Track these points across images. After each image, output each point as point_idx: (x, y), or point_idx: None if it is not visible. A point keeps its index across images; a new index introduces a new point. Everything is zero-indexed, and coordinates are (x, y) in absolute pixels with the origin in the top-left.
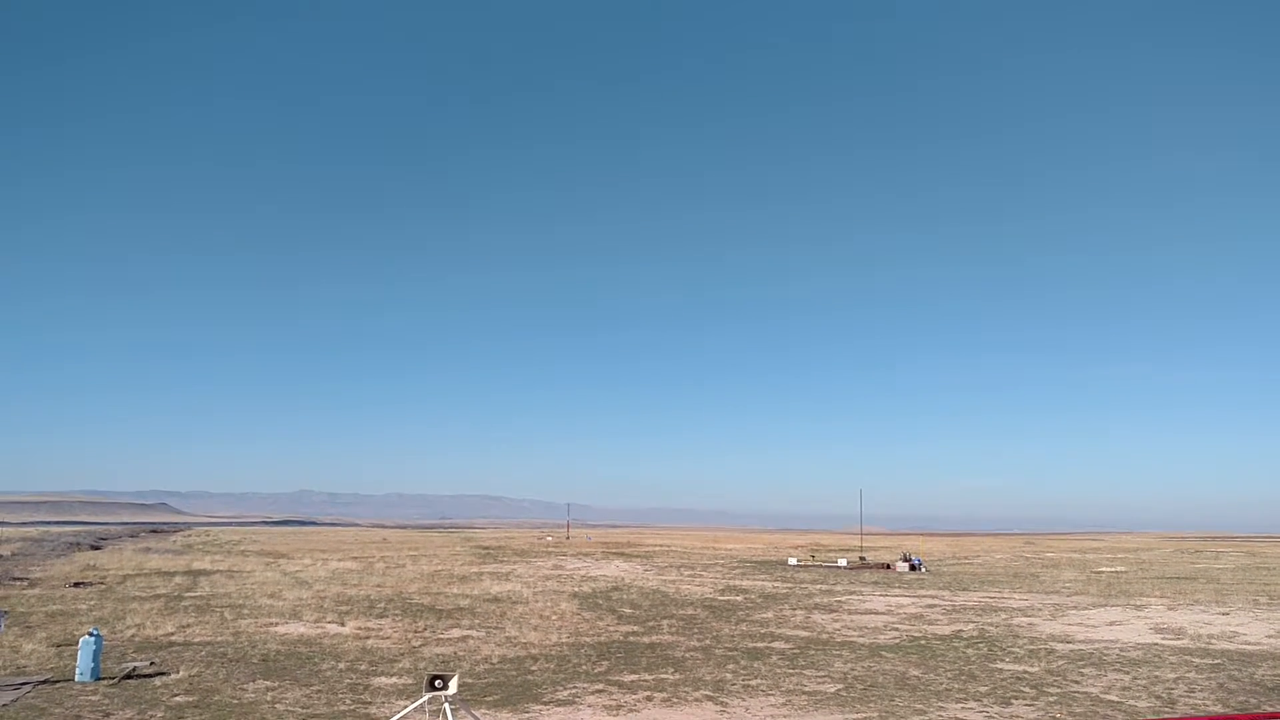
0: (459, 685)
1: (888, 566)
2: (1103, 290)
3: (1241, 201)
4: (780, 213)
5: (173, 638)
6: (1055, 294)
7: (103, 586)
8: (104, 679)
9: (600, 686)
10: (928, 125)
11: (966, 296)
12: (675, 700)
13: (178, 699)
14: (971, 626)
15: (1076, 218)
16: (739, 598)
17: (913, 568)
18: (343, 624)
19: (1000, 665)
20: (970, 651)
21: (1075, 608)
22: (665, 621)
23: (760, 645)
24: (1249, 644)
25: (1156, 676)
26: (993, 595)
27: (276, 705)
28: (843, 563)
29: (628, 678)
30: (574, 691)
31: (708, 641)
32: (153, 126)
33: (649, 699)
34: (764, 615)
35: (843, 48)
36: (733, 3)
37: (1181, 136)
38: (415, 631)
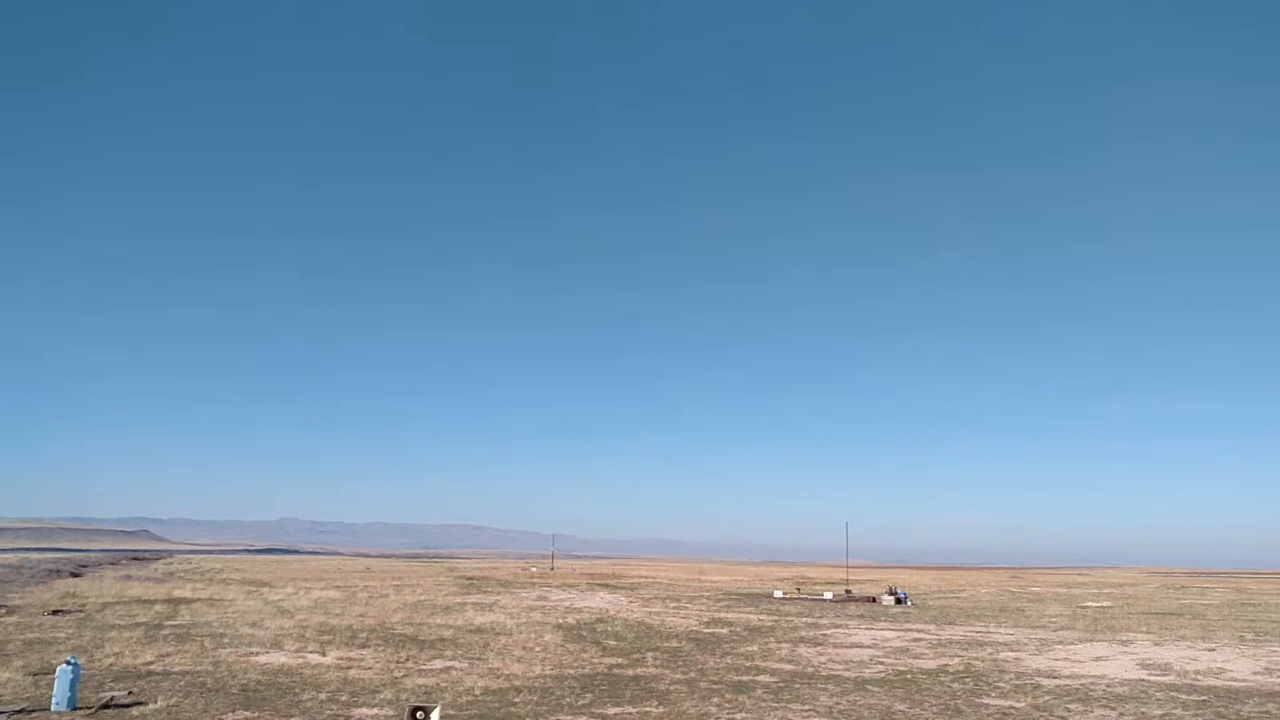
0: (441, 717)
1: (873, 600)
2: (1091, 324)
3: (1234, 238)
4: (765, 243)
5: (152, 667)
6: (1044, 328)
7: (82, 614)
8: (81, 709)
9: (584, 719)
10: (922, 151)
11: (954, 329)
12: None
13: None
14: (957, 661)
15: (1067, 251)
16: (724, 630)
17: (898, 601)
18: (324, 654)
19: (986, 700)
20: (956, 686)
21: (1061, 643)
22: (650, 654)
23: (745, 678)
24: (1236, 680)
25: (1143, 713)
26: (978, 629)
27: None
28: (828, 595)
29: (611, 710)
30: None
31: (693, 674)
32: (138, 146)
33: None
34: (749, 648)
35: (846, 65)
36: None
37: (1170, 164)
38: (398, 662)
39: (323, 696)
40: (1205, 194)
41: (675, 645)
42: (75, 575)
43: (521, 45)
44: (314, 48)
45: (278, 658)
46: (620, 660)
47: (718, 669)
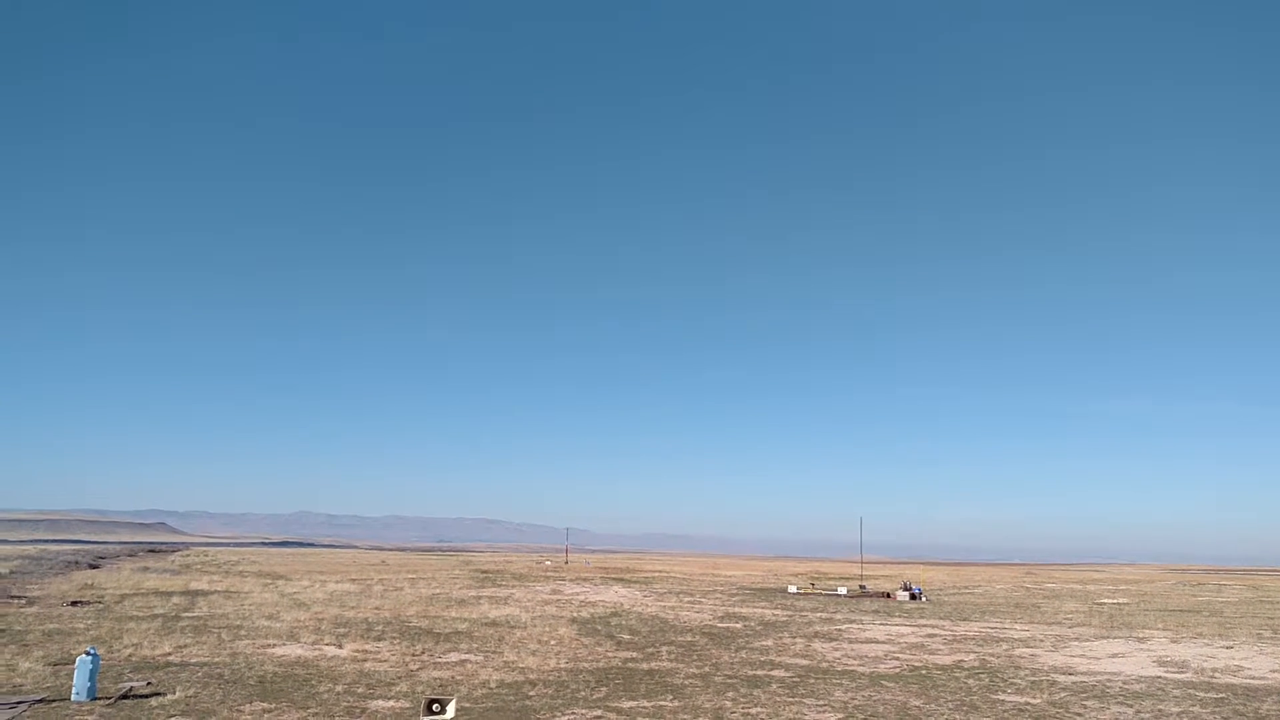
0: (457, 709)
1: (888, 595)
2: (1106, 321)
3: (1249, 236)
4: (781, 240)
5: (170, 658)
6: (1058, 325)
7: (100, 606)
8: (100, 699)
9: (599, 713)
10: (932, 150)
11: (971, 326)
12: None
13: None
14: (973, 657)
15: (1082, 247)
16: (738, 625)
17: (913, 597)
18: (340, 646)
19: (1002, 696)
20: (972, 682)
21: (1077, 639)
22: (664, 648)
23: (760, 673)
24: (1254, 678)
25: (1160, 710)
26: (994, 625)
27: None
28: (843, 591)
29: (626, 704)
30: (572, 717)
31: (707, 669)
32: (163, 138)
33: None
34: (764, 643)
35: (851, 67)
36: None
37: (1180, 163)
38: (413, 655)
39: (339, 688)
40: (1211, 195)
41: (689, 639)
42: (93, 567)
43: (522, 43)
44: (313, 46)
45: (294, 650)
46: (635, 654)
47: (732, 663)
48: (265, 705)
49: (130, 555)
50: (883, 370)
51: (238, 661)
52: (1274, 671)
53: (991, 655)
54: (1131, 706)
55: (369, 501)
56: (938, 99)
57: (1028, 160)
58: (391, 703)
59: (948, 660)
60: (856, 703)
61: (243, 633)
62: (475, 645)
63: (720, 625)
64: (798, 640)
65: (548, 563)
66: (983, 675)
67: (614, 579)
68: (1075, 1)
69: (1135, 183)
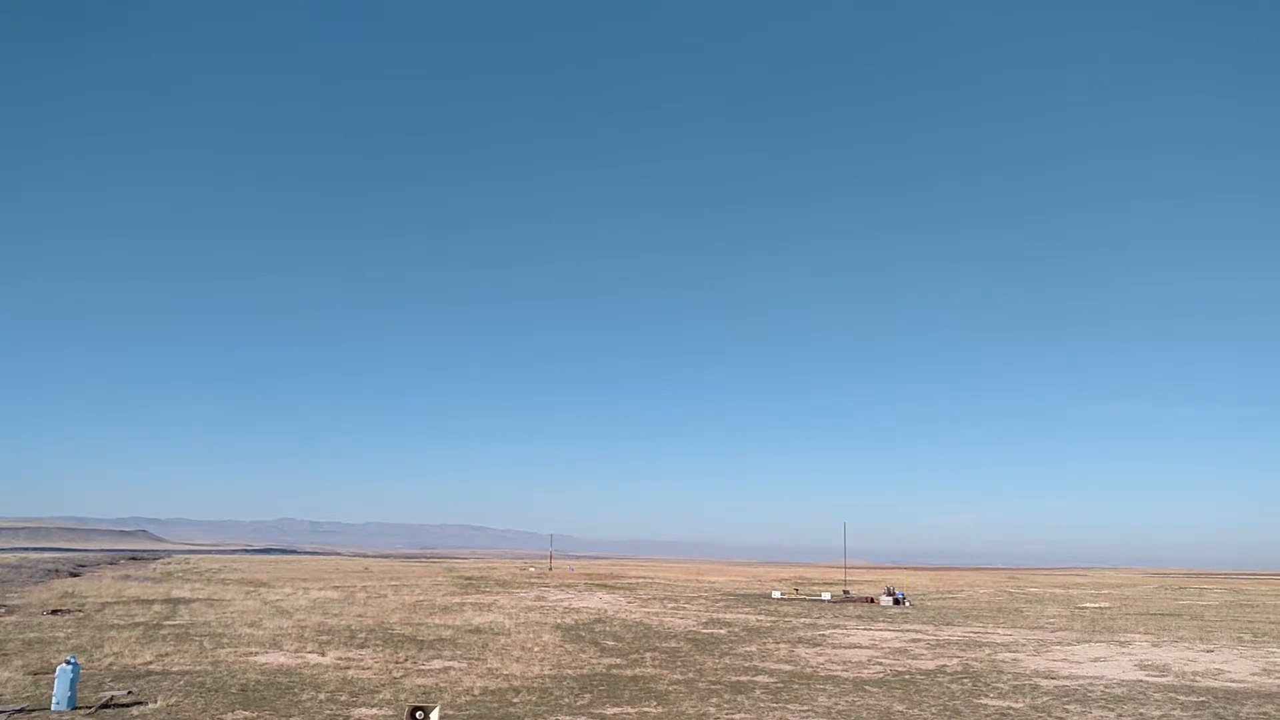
0: (440, 717)
1: (872, 600)
2: (1090, 327)
3: (1239, 241)
4: (766, 246)
5: (151, 666)
6: (1041, 330)
7: (81, 614)
8: (81, 708)
9: (583, 719)
10: (919, 157)
11: (952, 330)
12: None
13: None
14: (956, 661)
15: (1065, 254)
16: (723, 631)
17: (897, 602)
18: (323, 654)
19: (985, 701)
20: (955, 687)
21: (1059, 643)
22: (648, 654)
23: (744, 679)
24: (1234, 681)
25: (1142, 714)
26: (977, 630)
27: None
28: (827, 596)
29: (610, 711)
30: None
31: (691, 675)
32: (135, 143)
33: None
34: (748, 648)
35: (848, 69)
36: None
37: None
38: (396, 662)
39: (322, 696)
40: (1212, 199)
41: (674, 646)
42: (74, 575)
43: (521, 46)
44: (313, 47)
45: (276, 658)
46: (619, 660)
47: (716, 669)
48: (248, 714)
49: (111, 563)
50: (867, 375)
51: (220, 670)
52: (1254, 675)
53: (974, 660)
54: (1113, 710)
55: (352, 508)
56: (935, 104)
57: (1025, 165)
58: (375, 710)
59: (931, 665)
60: (840, 708)
61: (225, 641)
62: (459, 652)
63: (704, 631)
64: (781, 646)
65: (531, 569)
66: (965, 680)
67: (598, 585)
68: (1073, 7)
69: (1137, 186)
